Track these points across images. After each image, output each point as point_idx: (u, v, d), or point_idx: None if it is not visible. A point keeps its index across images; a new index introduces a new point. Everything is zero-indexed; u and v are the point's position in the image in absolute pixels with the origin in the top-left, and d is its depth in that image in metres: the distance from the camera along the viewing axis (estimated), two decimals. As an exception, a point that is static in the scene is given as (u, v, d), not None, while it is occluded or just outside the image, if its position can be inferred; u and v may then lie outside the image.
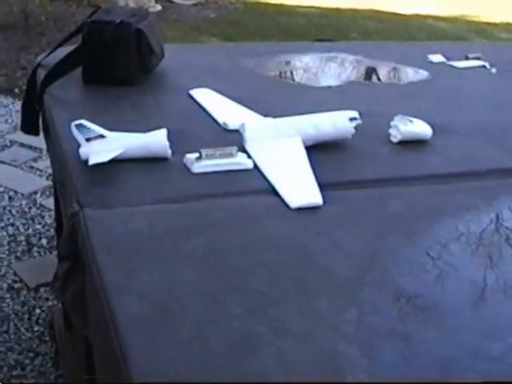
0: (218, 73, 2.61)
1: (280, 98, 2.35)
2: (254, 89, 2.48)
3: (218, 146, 1.80)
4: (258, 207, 1.64)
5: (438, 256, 1.53)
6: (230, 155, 1.77)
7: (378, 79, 2.93)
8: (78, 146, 1.76)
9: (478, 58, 3.03)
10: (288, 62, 2.99)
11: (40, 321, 2.91)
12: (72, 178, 1.71)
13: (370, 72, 3.01)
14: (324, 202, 1.63)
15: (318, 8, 9.05)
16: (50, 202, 3.55)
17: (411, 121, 2.01)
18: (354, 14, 8.89)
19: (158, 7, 8.10)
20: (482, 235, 1.63)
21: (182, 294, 1.32)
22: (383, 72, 2.99)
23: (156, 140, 1.80)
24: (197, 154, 1.76)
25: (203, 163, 1.74)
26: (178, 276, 1.38)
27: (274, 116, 2.02)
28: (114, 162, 1.72)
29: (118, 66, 2.31)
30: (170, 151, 1.81)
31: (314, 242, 1.51)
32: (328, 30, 7.54)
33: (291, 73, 2.91)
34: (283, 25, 7.94)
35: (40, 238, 3.48)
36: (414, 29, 8.23)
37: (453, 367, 1.20)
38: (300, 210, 1.61)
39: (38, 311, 2.96)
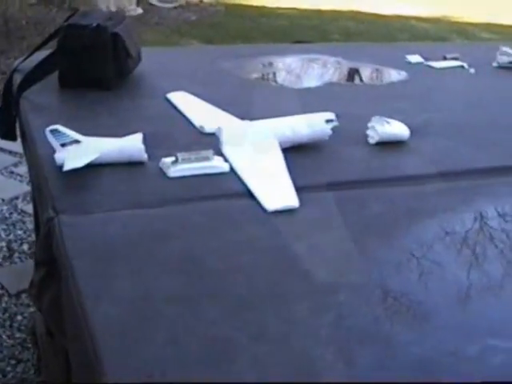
0: (196, 76, 2.60)
1: (258, 101, 2.35)
2: (232, 91, 2.48)
3: (194, 150, 1.79)
4: (234, 211, 1.63)
5: (417, 257, 1.53)
6: (206, 159, 1.76)
7: (357, 80, 2.93)
8: (53, 151, 1.75)
9: (455, 59, 3.04)
10: (269, 64, 2.98)
11: (22, 327, 2.88)
12: (47, 184, 1.70)
13: (350, 73, 3.01)
14: (301, 204, 1.63)
15: (299, 9, 9.05)
16: (31, 208, 3.52)
17: (388, 122, 2.01)
18: (336, 15, 8.89)
19: (139, 10, 8.08)
20: (460, 236, 1.63)
21: (157, 299, 1.31)
22: (362, 73, 2.99)
23: (132, 144, 1.79)
24: (173, 158, 1.75)
25: (179, 167, 1.73)
26: (154, 281, 1.37)
27: (252, 119, 2.01)
28: (90, 167, 1.71)
29: (94, 70, 2.30)
30: (145, 155, 1.79)
31: (291, 245, 1.50)
32: (309, 32, 7.55)
33: (272, 75, 2.91)
34: (264, 27, 7.94)
35: (21, 244, 3.45)
36: (395, 30, 8.25)
37: (431, 369, 1.19)
38: (277, 212, 1.60)
39: (19, 318, 2.92)
